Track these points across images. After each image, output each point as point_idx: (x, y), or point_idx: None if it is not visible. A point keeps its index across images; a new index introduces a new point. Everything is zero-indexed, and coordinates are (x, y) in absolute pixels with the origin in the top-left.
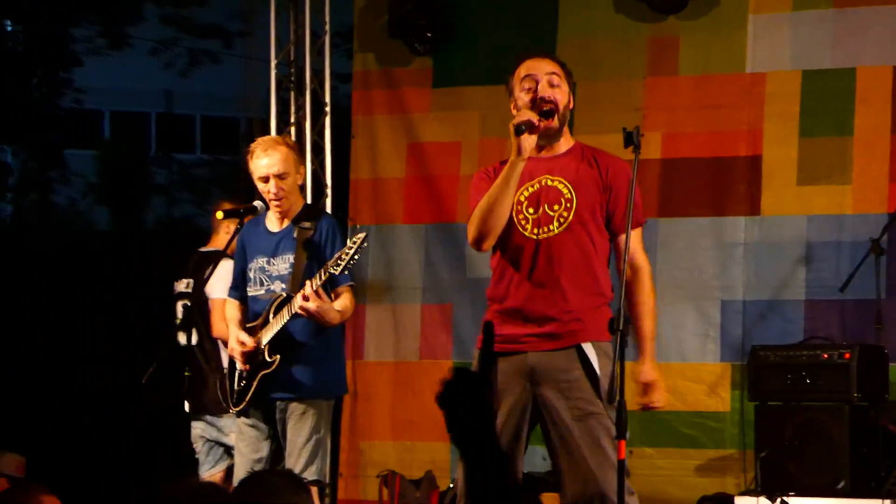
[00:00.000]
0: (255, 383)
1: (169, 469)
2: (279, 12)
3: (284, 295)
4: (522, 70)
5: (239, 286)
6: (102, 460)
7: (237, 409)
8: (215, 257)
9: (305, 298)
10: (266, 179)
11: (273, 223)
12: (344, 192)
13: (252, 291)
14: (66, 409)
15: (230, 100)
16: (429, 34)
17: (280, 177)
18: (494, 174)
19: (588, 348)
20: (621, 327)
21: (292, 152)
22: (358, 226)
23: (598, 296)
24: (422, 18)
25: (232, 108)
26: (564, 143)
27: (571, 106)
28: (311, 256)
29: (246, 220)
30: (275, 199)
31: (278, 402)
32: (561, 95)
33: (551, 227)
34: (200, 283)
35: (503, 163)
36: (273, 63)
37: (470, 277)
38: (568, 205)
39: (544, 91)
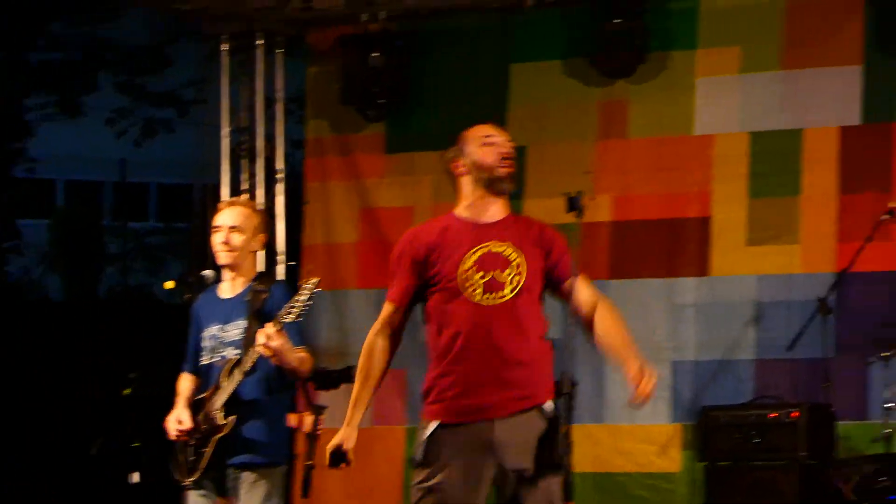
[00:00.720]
0: (209, 450)
1: None
2: (233, 79)
3: (237, 358)
4: (482, 131)
5: (192, 359)
6: None
7: (191, 479)
8: None
9: (268, 337)
10: (219, 230)
11: (225, 291)
12: (297, 259)
13: (206, 360)
14: (12, 480)
15: (184, 166)
16: (381, 100)
17: (233, 229)
18: (422, 239)
19: (548, 407)
20: (567, 389)
21: (255, 215)
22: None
23: (547, 357)
24: (374, 85)
25: (186, 175)
26: (503, 210)
27: None
28: (264, 321)
29: (198, 290)
30: (222, 250)
31: (231, 470)
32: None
33: (503, 292)
34: None
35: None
36: (226, 130)
37: (422, 342)
38: (518, 269)
39: (506, 147)
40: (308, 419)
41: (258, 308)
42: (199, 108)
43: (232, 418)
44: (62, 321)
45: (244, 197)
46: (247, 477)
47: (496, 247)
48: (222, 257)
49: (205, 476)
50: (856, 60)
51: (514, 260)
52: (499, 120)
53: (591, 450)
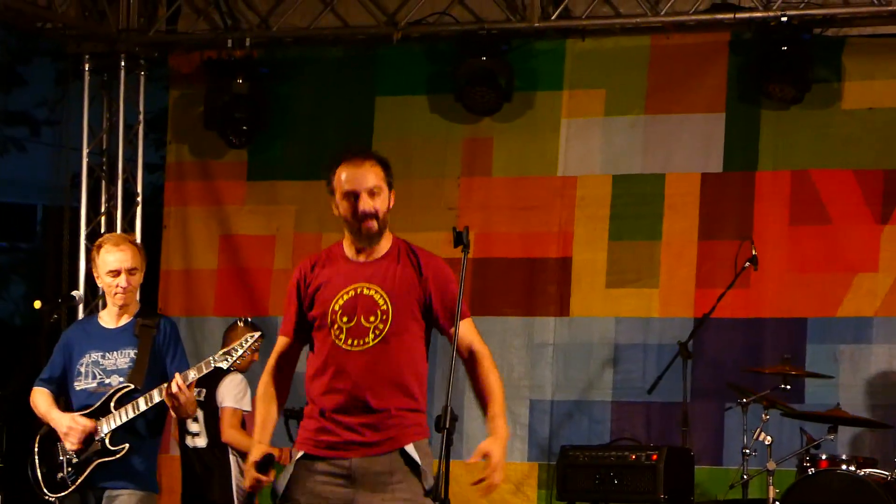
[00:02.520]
0: (88, 470)
1: None
2: (91, 100)
3: (129, 387)
4: (344, 180)
5: (54, 379)
6: None
7: (57, 495)
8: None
9: (177, 388)
10: (116, 273)
11: (108, 320)
12: (153, 284)
13: (81, 385)
14: None
15: (29, 187)
16: (244, 127)
17: (130, 272)
18: (310, 273)
19: (410, 449)
20: (447, 425)
21: (140, 251)
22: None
23: (413, 399)
24: (237, 111)
25: (30, 196)
26: (384, 245)
27: (392, 203)
28: (154, 353)
29: (65, 310)
30: (122, 293)
31: (108, 491)
32: (381, 203)
33: (366, 339)
34: (210, 392)
35: (326, 254)
36: (85, 151)
37: None
38: (384, 316)
39: (365, 205)
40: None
41: (148, 342)
42: (51, 129)
43: (125, 446)
44: None
45: (123, 234)
46: (128, 499)
47: (366, 289)
48: (119, 299)
49: (73, 493)
50: (718, 108)
51: (382, 306)
52: None
53: (449, 486)
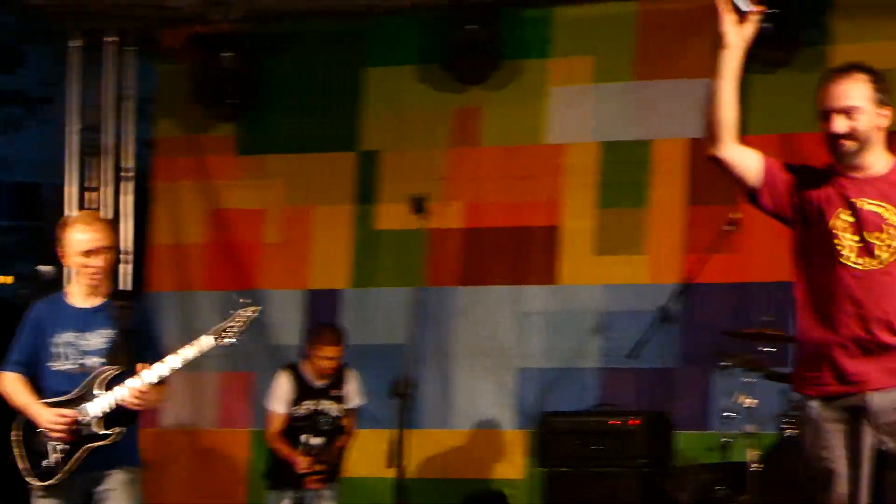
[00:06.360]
0: (78, 455)
1: None
2: (83, 77)
3: (116, 370)
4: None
5: (26, 362)
6: None
7: (46, 483)
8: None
9: (141, 392)
10: (89, 253)
11: (79, 299)
12: (143, 259)
13: (59, 366)
14: None
15: (33, 165)
16: (232, 101)
17: (105, 250)
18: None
19: None
20: (404, 391)
21: (110, 229)
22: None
23: None
24: (225, 85)
25: (33, 174)
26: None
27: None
28: (130, 334)
29: (36, 286)
30: (96, 274)
31: (96, 473)
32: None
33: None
34: None
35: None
36: (75, 128)
37: (274, 345)
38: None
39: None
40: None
41: (125, 324)
42: (48, 107)
43: (117, 430)
44: None
45: (94, 212)
46: (122, 477)
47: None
48: (95, 280)
49: (65, 481)
50: (706, 73)
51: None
52: (353, 124)
53: (436, 455)
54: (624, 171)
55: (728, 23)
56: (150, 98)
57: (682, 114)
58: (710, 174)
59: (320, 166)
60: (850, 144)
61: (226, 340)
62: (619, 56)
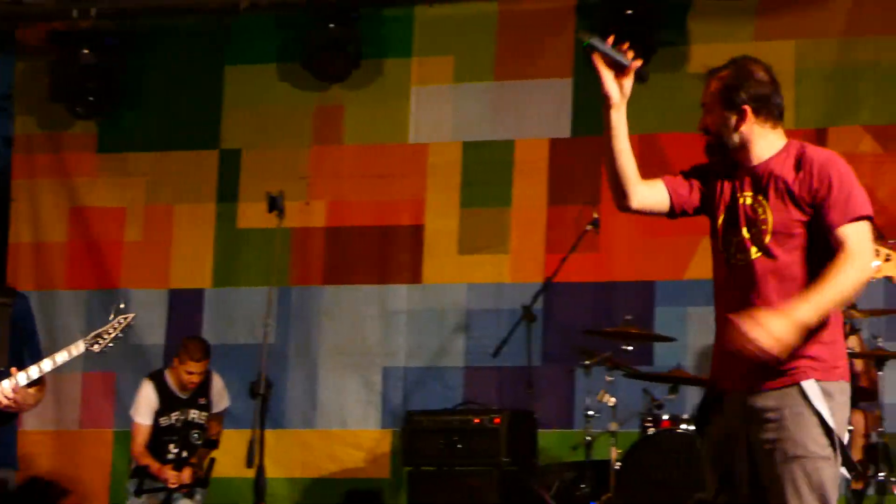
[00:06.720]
0: None
1: None
2: None
3: None
4: None
5: None
6: None
7: None
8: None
9: (13, 391)
10: None
11: None
12: (1, 257)
13: None
14: None
15: None
16: (91, 98)
17: None
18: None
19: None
20: (262, 391)
21: None
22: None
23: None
24: (85, 82)
25: None
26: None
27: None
28: (11, 331)
29: None
30: None
31: None
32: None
33: None
34: None
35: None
36: None
37: (134, 344)
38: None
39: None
40: None
41: (6, 319)
42: None
43: None
44: None
45: None
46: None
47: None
48: None
49: None
50: (566, 73)
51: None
52: (215, 122)
53: (302, 455)
54: (486, 170)
55: (610, 81)
56: (8, 95)
57: (543, 114)
58: (571, 174)
59: (182, 164)
60: (709, 139)
61: (100, 347)
62: (480, 56)
